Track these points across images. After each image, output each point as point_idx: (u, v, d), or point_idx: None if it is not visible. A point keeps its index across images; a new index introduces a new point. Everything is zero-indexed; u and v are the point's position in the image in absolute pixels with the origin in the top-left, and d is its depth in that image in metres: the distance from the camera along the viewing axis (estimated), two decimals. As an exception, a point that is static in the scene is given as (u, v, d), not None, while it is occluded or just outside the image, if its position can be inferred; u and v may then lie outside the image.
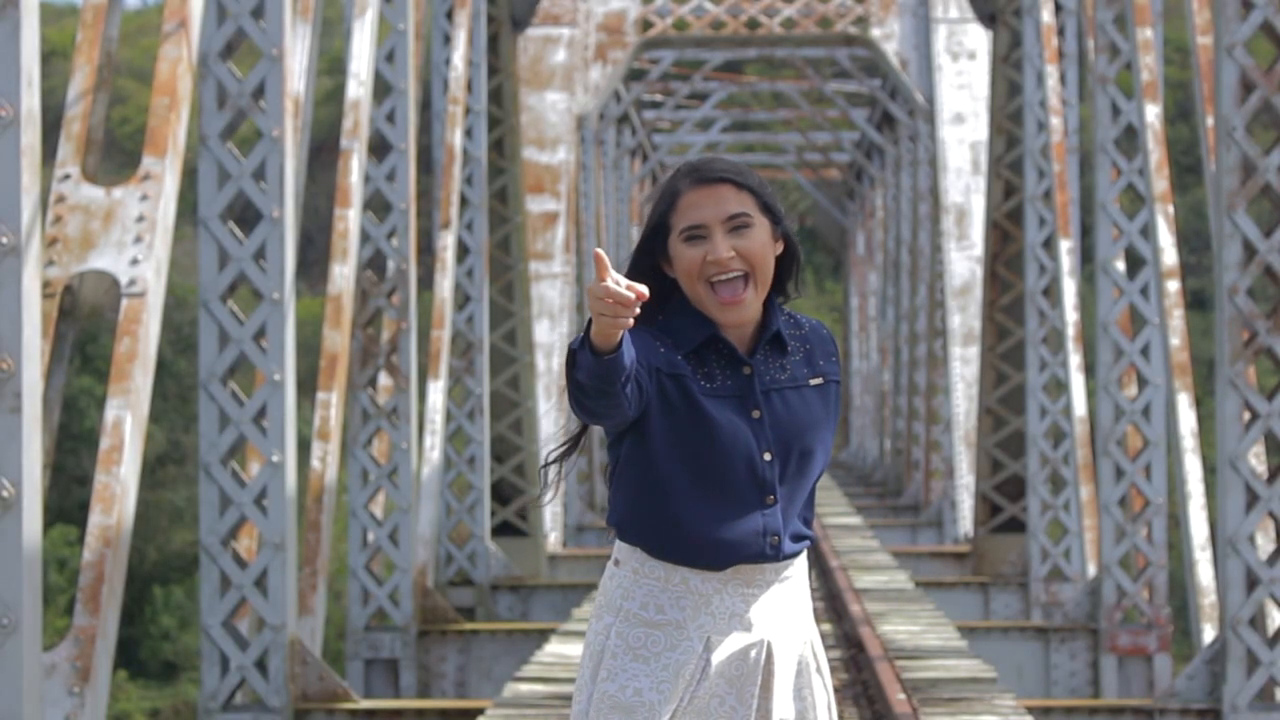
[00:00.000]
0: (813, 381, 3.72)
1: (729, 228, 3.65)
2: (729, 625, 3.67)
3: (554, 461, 3.78)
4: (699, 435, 3.66)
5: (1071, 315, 17.13)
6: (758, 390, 3.69)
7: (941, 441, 27.25)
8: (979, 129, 26.28)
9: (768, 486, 3.67)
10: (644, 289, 3.42)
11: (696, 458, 3.66)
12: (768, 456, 3.67)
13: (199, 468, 10.37)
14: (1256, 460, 10.32)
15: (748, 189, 3.68)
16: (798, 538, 3.72)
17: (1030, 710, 9.69)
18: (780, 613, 3.70)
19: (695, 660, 3.66)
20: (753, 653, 3.67)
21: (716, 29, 28.79)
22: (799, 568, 3.74)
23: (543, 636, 14.52)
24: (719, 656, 3.66)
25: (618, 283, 3.40)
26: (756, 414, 3.68)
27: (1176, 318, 13.58)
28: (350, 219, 13.18)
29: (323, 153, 27.27)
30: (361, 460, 14.66)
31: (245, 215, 10.34)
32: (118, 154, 45.45)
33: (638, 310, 3.43)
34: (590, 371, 3.46)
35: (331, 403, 12.65)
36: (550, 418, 24.93)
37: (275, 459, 10.22)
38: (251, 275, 10.22)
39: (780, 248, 3.73)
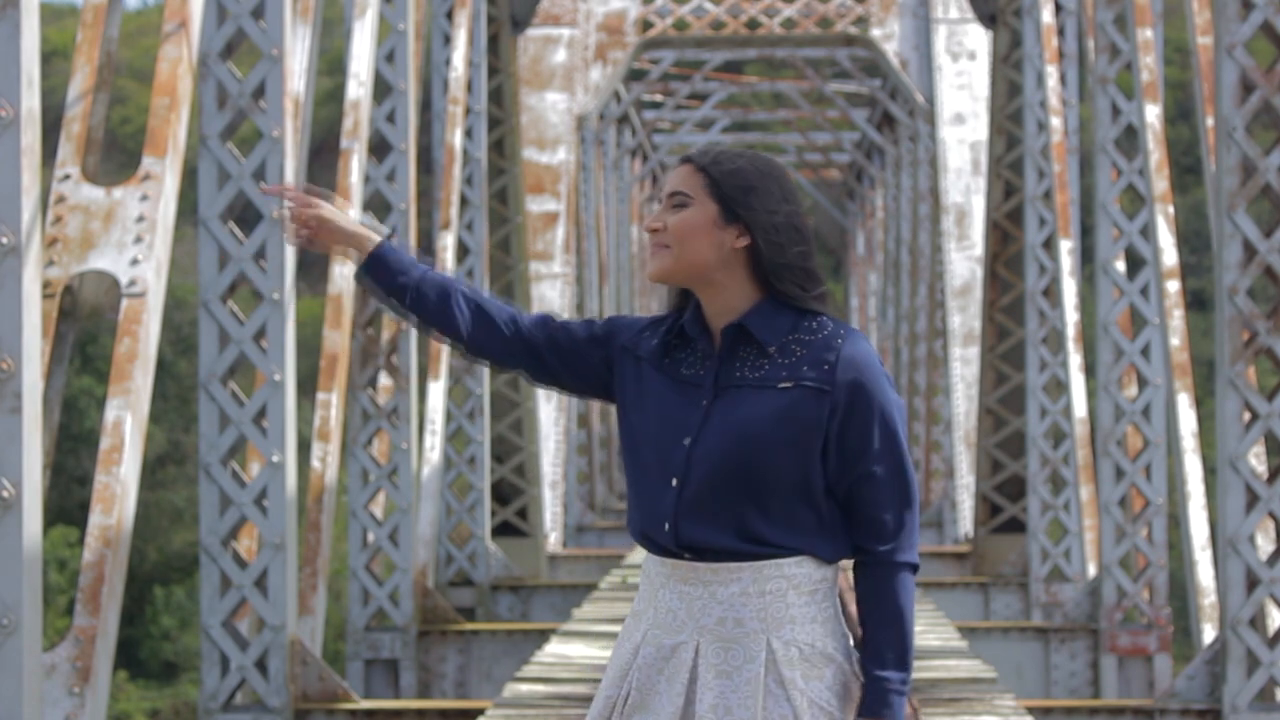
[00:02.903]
0: (781, 385, 3.68)
1: (671, 204, 3.76)
2: (663, 620, 3.71)
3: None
4: (638, 415, 3.76)
5: (1072, 315, 17.13)
6: (716, 382, 3.72)
7: (941, 441, 27.25)
8: (979, 129, 26.27)
9: (673, 468, 3.69)
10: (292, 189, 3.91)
11: (633, 438, 3.77)
12: (686, 441, 3.68)
13: (199, 468, 10.37)
14: (1256, 460, 10.32)
15: (703, 171, 3.74)
16: (751, 539, 3.66)
17: (1030, 710, 9.69)
18: (721, 618, 3.66)
19: (632, 651, 3.73)
20: (683, 652, 3.68)
21: (716, 29, 28.78)
22: (762, 576, 3.67)
23: (543, 637, 14.52)
24: (649, 650, 3.71)
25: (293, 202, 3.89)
26: (705, 403, 3.71)
27: (1176, 318, 13.58)
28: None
29: (323, 153, 27.26)
30: (361, 460, 14.66)
31: (245, 215, 10.33)
32: (118, 154, 45.44)
33: (309, 222, 3.87)
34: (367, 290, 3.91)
35: (331, 403, 12.65)
36: (550, 418, 24.92)
37: (275, 459, 10.22)
38: (251, 275, 10.21)
39: (740, 240, 3.73)
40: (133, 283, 8.72)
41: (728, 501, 3.66)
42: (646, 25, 28.17)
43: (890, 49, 28.12)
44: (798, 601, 3.68)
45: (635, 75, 33.21)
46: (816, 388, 3.67)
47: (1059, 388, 17.89)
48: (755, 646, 3.65)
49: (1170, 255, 13.75)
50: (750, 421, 3.66)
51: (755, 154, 3.77)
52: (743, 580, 3.66)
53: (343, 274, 13.01)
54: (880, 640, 3.70)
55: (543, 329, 3.84)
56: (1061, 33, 18.14)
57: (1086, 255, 22.15)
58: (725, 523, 3.67)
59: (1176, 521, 14.05)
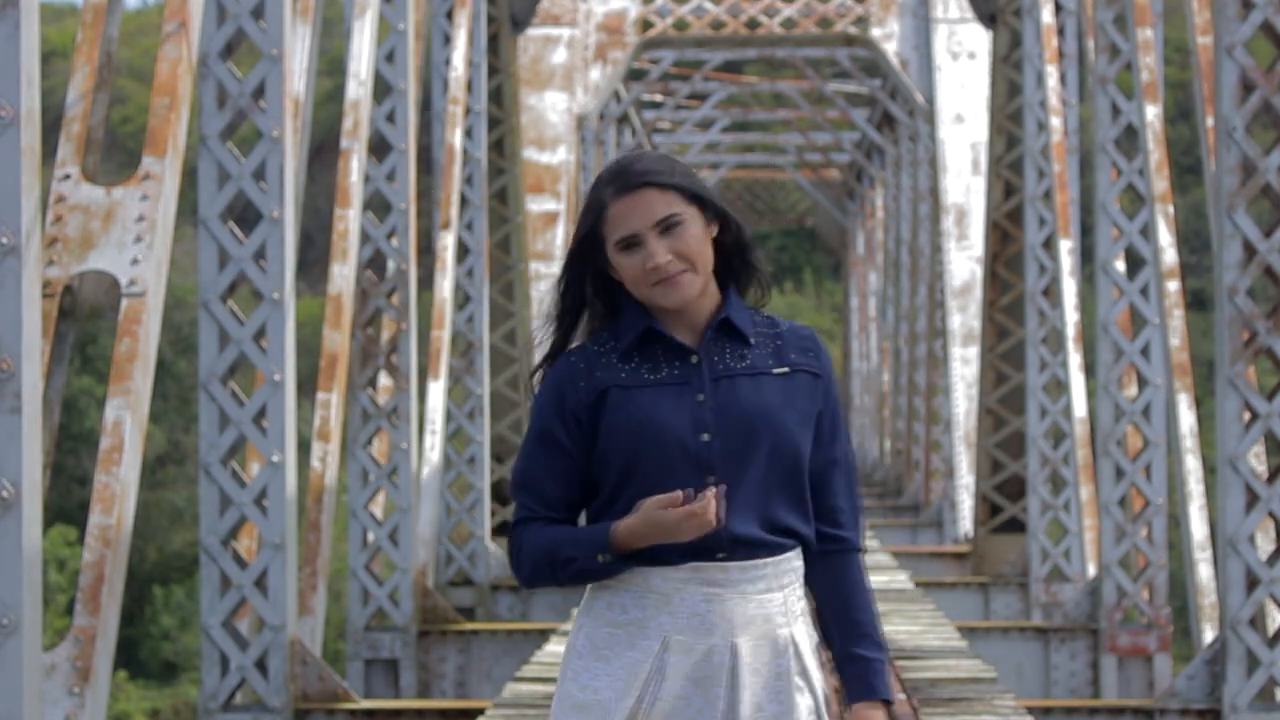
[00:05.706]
0: (776, 370, 3.72)
1: (659, 231, 3.68)
2: (689, 625, 3.65)
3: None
4: (631, 429, 3.66)
5: (1071, 315, 17.13)
6: (706, 377, 3.69)
7: (941, 441, 27.25)
8: (979, 129, 26.27)
9: (704, 466, 3.65)
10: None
11: (634, 452, 3.65)
12: (705, 437, 3.65)
13: (199, 468, 10.36)
14: (1256, 460, 10.32)
15: (670, 187, 3.71)
16: (775, 530, 3.69)
17: (1030, 710, 9.69)
18: (752, 616, 3.66)
19: (651, 660, 3.64)
20: (716, 655, 3.65)
21: (716, 29, 28.78)
22: (780, 570, 3.70)
23: (543, 636, 14.53)
24: (677, 657, 3.64)
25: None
26: (700, 398, 3.68)
27: (1176, 318, 13.58)
28: (350, 219, 13.17)
29: (323, 153, 27.27)
30: (361, 460, 14.66)
31: (245, 215, 10.33)
32: (118, 154, 45.46)
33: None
34: (586, 575, 3.67)
35: (331, 403, 12.65)
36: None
37: (275, 459, 10.22)
38: (251, 275, 10.21)
39: (715, 229, 3.74)
40: (133, 283, 8.72)
41: (760, 491, 3.68)
42: (646, 25, 28.16)
43: (890, 49, 28.12)
44: (800, 594, 3.75)
45: (635, 75, 33.20)
46: (812, 373, 3.75)
47: (1059, 388, 17.90)
48: (783, 642, 3.68)
49: (1170, 255, 13.75)
50: (762, 407, 3.68)
51: (664, 153, 3.81)
52: (766, 576, 3.67)
53: (342, 274, 13.01)
54: (866, 624, 3.75)
55: (564, 492, 3.73)
56: (1061, 33, 18.14)
57: (1086, 255, 22.14)
58: (758, 514, 3.68)
59: (1176, 521, 14.05)
